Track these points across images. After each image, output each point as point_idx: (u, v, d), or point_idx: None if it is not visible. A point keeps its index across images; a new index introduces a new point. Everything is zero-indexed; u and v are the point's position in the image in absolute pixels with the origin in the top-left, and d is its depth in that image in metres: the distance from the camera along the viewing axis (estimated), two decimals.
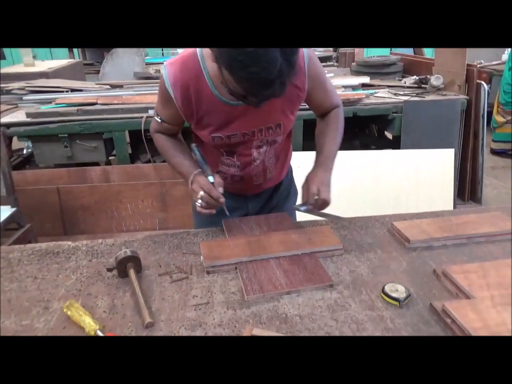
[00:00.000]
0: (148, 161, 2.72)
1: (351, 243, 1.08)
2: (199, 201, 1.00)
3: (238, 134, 1.05)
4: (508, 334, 0.73)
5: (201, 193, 0.99)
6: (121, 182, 2.57)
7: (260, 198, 1.29)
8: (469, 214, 1.20)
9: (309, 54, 1.01)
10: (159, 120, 1.09)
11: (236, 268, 0.96)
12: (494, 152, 4.25)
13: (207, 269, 0.96)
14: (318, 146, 1.15)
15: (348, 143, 3.01)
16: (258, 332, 0.75)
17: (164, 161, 2.88)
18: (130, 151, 3.13)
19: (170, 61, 0.99)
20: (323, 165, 1.10)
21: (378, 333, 0.77)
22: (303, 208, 1.06)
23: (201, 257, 0.98)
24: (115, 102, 2.63)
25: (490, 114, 4.58)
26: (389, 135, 3.51)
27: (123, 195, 2.56)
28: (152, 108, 2.63)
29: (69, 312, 0.81)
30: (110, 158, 2.97)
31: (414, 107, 2.70)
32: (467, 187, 3.06)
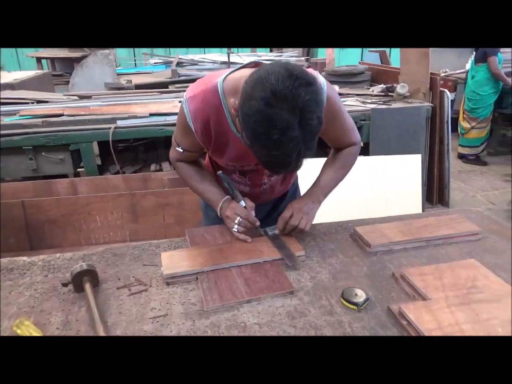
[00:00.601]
0: (117, 172, 2.68)
1: (314, 249, 1.08)
2: (236, 226, 1.06)
3: (251, 164, 1.10)
4: (459, 334, 0.74)
5: (239, 219, 1.05)
6: (90, 194, 2.52)
7: (265, 207, 1.31)
8: (429, 217, 1.23)
9: (329, 94, 0.98)
10: (181, 150, 1.11)
11: (197, 279, 0.95)
12: (461, 156, 4.40)
13: (167, 280, 0.94)
14: (318, 176, 1.17)
15: (319, 150, 3.05)
16: None
17: (134, 172, 2.86)
18: (99, 162, 3.08)
19: (190, 94, 0.99)
20: (312, 195, 1.12)
21: None
22: (270, 231, 1.11)
23: (162, 268, 0.97)
24: (82, 113, 2.58)
25: (455, 120, 4.76)
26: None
27: (91, 207, 2.50)
28: (121, 118, 2.60)
29: (18, 331, 0.77)
30: (78, 170, 2.92)
31: (381, 115, 2.77)
32: (435, 191, 3.15)
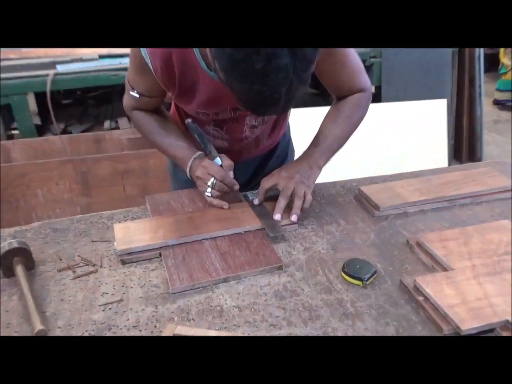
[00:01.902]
0: (62, 133, 2.62)
1: (309, 215, 1.08)
2: (209, 189, 1.05)
3: (227, 109, 1.08)
4: (489, 309, 0.75)
5: (213, 180, 1.04)
6: (27, 161, 2.46)
7: (250, 165, 1.32)
8: (452, 172, 1.23)
9: None
10: (136, 95, 1.08)
11: (160, 255, 0.95)
12: (497, 103, 4.40)
13: (121, 257, 0.94)
14: (316, 135, 1.14)
15: (321, 98, 3.01)
16: (182, 330, 0.73)
17: (83, 131, 2.80)
18: (38, 122, 3.01)
19: None
20: (308, 159, 1.09)
21: (334, 320, 0.78)
22: (252, 196, 1.12)
23: (115, 243, 0.96)
24: (11, 56, 2.50)
25: (493, 57, 4.73)
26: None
27: (30, 178, 2.45)
28: (63, 62, 2.52)
29: None
30: (13, 131, 2.85)
31: (396, 50, 2.73)
32: (464, 145, 3.15)
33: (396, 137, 2.66)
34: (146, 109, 1.14)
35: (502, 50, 4.26)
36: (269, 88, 0.75)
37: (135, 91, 1.08)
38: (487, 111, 4.24)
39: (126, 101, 1.15)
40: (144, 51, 0.96)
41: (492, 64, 4.51)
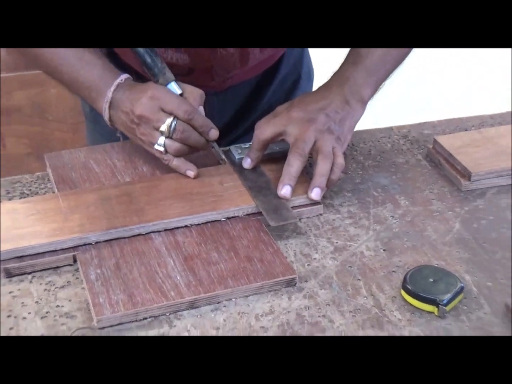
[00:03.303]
0: None
1: (343, 188, 1.12)
2: (162, 139, 1.06)
3: None
4: None
5: (170, 122, 1.04)
6: None
7: (235, 94, 1.40)
8: None
9: None
10: None
11: (75, 260, 0.96)
12: None
13: (5, 265, 0.94)
14: (350, 52, 1.19)
15: None
16: None
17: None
18: None
19: None
20: (344, 85, 1.13)
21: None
22: (239, 155, 1.17)
23: None
24: None
25: None
26: None
27: None
28: None
29: None
30: None
31: None
32: None
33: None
34: None
35: None
36: None
37: None
38: None
39: None
40: None
41: None
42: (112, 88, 1.08)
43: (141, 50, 1.08)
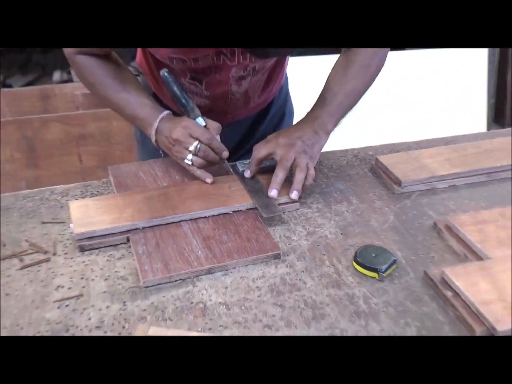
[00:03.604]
0: (1, 87, 2.60)
1: (313, 191, 1.11)
2: (190, 156, 1.05)
3: (209, 54, 1.08)
4: None
5: (196, 144, 1.03)
6: None
7: (237, 128, 1.35)
8: (494, 139, 1.24)
9: None
10: None
11: (128, 240, 0.97)
12: None
13: (80, 243, 0.95)
14: (322, 91, 1.16)
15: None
16: (157, 332, 0.75)
17: (27, 84, 2.78)
18: None
19: None
20: (313, 121, 1.10)
21: (343, 320, 0.80)
22: (242, 167, 1.13)
23: (71, 225, 0.97)
24: None
25: None
26: None
27: None
28: None
29: None
30: None
31: None
32: (508, 105, 3.16)
33: (422, 94, 2.66)
34: (95, 54, 1.13)
35: None
36: None
37: None
38: None
39: None
40: None
41: None
42: (158, 120, 1.09)
43: (178, 93, 1.09)
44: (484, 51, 2.76)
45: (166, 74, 1.11)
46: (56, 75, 2.81)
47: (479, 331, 0.76)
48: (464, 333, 0.77)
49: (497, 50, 3.01)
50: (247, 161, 1.12)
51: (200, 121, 1.08)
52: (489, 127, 2.88)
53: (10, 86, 2.73)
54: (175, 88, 1.10)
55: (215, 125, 1.09)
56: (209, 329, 0.79)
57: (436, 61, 2.69)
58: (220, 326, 0.79)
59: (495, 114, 3.17)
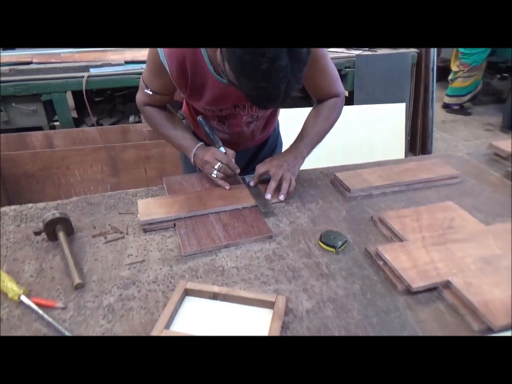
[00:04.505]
0: (94, 125, 2.58)
1: (294, 195, 1.07)
2: (215, 172, 1.04)
3: (229, 107, 1.06)
4: (434, 271, 0.76)
5: (219, 164, 1.03)
6: (67, 148, 2.43)
7: (245, 155, 1.30)
8: (409, 162, 1.22)
9: None
10: (150, 92, 1.05)
11: (174, 225, 0.94)
12: (445, 106, 4.37)
13: (143, 226, 0.93)
14: (301, 131, 1.12)
15: (305, 101, 2.98)
16: (192, 285, 0.74)
17: (112, 124, 2.75)
18: (76, 115, 2.95)
19: None
20: (294, 151, 1.08)
21: (312, 279, 0.78)
22: (248, 179, 1.10)
23: (138, 215, 0.95)
24: (53, 60, 2.43)
25: (444, 69, 4.68)
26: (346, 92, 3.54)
27: (69, 161, 2.42)
28: (94, 66, 2.46)
29: None
30: (55, 123, 2.79)
31: (366, 61, 2.69)
32: (419, 140, 3.14)
33: (364, 133, 2.65)
34: (156, 105, 1.11)
35: (452, 59, 4.19)
36: (272, 85, 0.74)
37: (149, 89, 1.04)
38: (437, 113, 4.21)
39: (139, 98, 1.11)
40: (162, 55, 0.94)
41: (444, 75, 4.46)
42: (195, 149, 1.07)
43: (208, 132, 1.08)
44: (402, 106, 2.74)
45: (201, 119, 1.10)
46: (131, 118, 2.79)
47: (400, 287, 0.75)
48: (389, 288, 0.76)
49: (411, 104, 3.00)
50: (252, 175, 1.10)
51: (222, 149, 1.06)
52: (406, 155, 2.86)
53: (101, 124, 2.71)
54: (206, 128, 1.09)
55: (231, 152, 1.06)
56: (225, 284, 0.78)
57: (373, 112, 2.69)
58: (233, 282, 0.78)
59: (410, 146, 3.15)
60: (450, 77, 4.22)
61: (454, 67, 4.13)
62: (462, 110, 4.28)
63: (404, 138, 2.76)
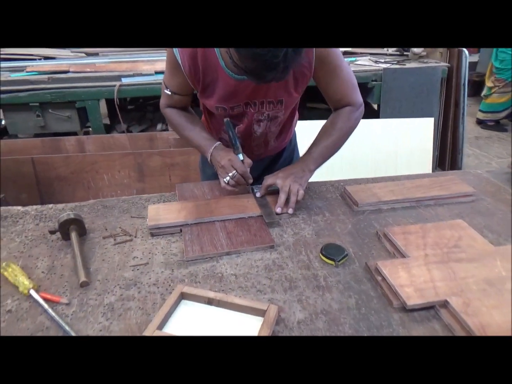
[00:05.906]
0: (125, 131, 2.69)
1: (301, 206, 1.07)
2: (228, 178, 1.03)
3: (240, 104, 1.06)
4: (432, 290, 0.74)
5: (234, 173, 1.02)
6: (97, 153, 2.54)
7: (260, 164, 1.29)
8: (423, 178, 1.20)
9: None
10: (169, 92, 1.08)
11: (181, 231, 0.97)
12: (480, 122, 4.23)
13: (151, 231, 0.96)
14: (312, 143, 1.12)
15: (327, 112, 2.98)
16: (188, 290, 0.76)
17: (141, 131, 2.86)
18: (108, 121, 3.09)
19: None
20: (302, 164, 1.08)
21: (308, 290, 0.78)
22: (256, 189, 1.10)
23: (147, 219, 0.99)
24: (88, 70, 2.56)
25: (478, 83, 4.54)
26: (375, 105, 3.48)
27: (99, 165, 2.53)
28: (126, 75, 2.58)
29: (5, 273, 0.81)
30: (87, 128, 2.94)
31: (394, 75, 2.66)
32: (448, 156, 3.06)
33: (391, 148, 2.61)
34: (177, 107, 1.14)
35: (487, 74, 4.07)
36: (270, 52, 0.74)
37: (168, 89, 1.08)
38: (470, 129, 4.09)
39: (161, 101, 1.15)
40: (176, 52, 0.97)
41: (479, 90, 4.34)
42: (212, 148, 1.07)
43: (231, 135, 1.04)
44: (430, 120, 2.69)
45: (227, 121, 1.06)
46: (159, 126, 2.89)
47: (395, 304, 0.74)
48: (385, 304, 0.75)
49: (441, 119, 2.93)
50: (259, 186, 1.10)
51: (240, 156, 1.03)
52: (433, 171, 2.80)
53: (131, 131, 2.82)
54: (230, 132, 1.05)
55: (248, 161, 1.04)
56: (222, 290, 0.79)
57: (400, 127, 2.64)
58: (229, 289, 0.79)
59: (439, 162, 3.08)
60: (483, 92, 4.10)
61: (488, 83, 4.01)
62: (497, 126, 4.14)
63: (432, 153, 2.70)
